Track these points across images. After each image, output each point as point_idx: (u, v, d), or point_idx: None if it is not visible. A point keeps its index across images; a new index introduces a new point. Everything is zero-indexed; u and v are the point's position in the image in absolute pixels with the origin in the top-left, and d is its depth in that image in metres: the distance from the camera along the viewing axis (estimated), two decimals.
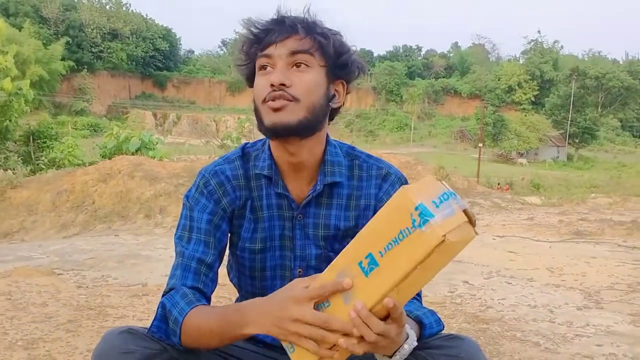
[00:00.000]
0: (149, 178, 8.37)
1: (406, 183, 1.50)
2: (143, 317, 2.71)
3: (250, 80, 1.34)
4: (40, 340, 2.26)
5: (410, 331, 1.17)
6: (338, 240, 1.41)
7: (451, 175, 9.70)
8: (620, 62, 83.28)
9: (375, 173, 1.45)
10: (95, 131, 41.27)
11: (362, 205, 1.43)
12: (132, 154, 10.23)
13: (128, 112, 55.74)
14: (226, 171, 1.41)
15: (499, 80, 75.13)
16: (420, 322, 1.27)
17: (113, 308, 2.83)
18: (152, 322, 1.32)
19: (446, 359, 1.31)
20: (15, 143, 13.30)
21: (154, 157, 9.97)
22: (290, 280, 1.42)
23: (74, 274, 4.26)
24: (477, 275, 3.92)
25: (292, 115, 1.26)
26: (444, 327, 1.39)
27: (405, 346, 1.15)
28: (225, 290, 3.03)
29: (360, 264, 1.03)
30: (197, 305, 1.26)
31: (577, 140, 61.26)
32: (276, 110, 1.25)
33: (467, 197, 8.68)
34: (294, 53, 1.25)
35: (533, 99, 73.76)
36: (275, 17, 1.28)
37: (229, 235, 1.44)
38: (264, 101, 1.27)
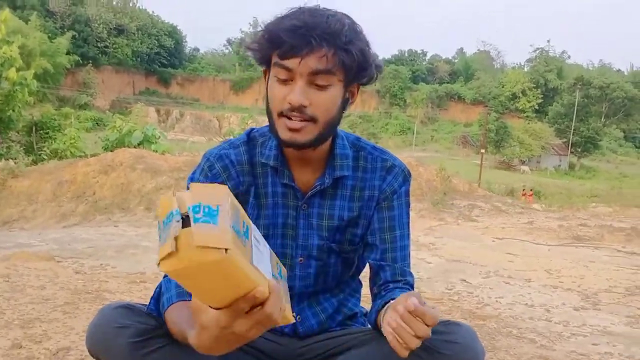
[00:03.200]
0: (150, 171, 8.37)
1: (410, 176, 1.51)
2: (140, 300, 2.71)
3: (262, 63, 1.31)
4: (37, 320, 2.26)
5: None
6: (340, 230, 1.42)
7: (452, 177, 9.71)
8: (625, 73, 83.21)
9: (380, 165, 1.45)
10: (98, 125, 41.27)
11: (366, 196, 1.44)
12: (135, 147, 10.22)
13: (131, 108, 55.88)
14: (230, 156, 1.41)
15: (503, 87, 75.14)
16: None
17: (110, 293, 2.84)
18: (150, 300, 1.34)
19: (442, 344, 1.33)
20: (18, 133, 13.31)
21: (156, 151, 9.96)
22: (290, 270, 1.44)
23: (73, 262, 4.26)
24: (475, 274, 3.92)
25: (309, 135, 1.26)
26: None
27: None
28: None
29: None
30: (176, 303, 1.24)
31: (579, 150, 61.21)
32: (293, 130, 1.25)
33: (467, 200, 8.68)
34: (315, 73, 1.21)
35: (537, 107, 73.72)
36: (299, 25, 1.20)
37: None
38: (281, 114, 1.25)
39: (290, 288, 1.43)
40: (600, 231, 6.37)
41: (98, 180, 8.66)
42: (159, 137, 10.71)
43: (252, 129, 1.50)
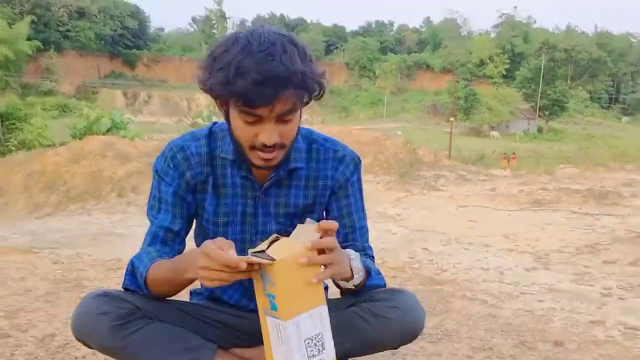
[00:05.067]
0: (120, 157, 8.43)
1: (360, 162, 1.68)
2: (118, 288, 2.86)
3: (218, 99, 1.40)
4: (21, 311, 2.41)
5: (359, 268, 1.47)
6: (297, 217, 1.59)
7: (418, 149, 9.93)
8: (590, 35, 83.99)
9: (332, 156, 1.62)
10: (64, 112, 40.58)
11: (320, 185, 1.61)
12: (103, 134, 10.23)
13: (98, 92, 54.86)
14: (192, 147, 1.57)
15: (470, 54, 75.41)
16: (367, 270, 1.52)
17: (89, 281, 2.98)
18: (124, 278, 1.52)
19: (387, 310, 1.54)
20: None
21: (126, 137, 9.99)
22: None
23: (49, 252, 4.36)
24: (437, 242, 4.14)
25: (280, 157, 1.44)
26: (385, 283, 1.61)
27: (357, 270, 1.47)
28: None
29: None
30: (156, 260, 1.45)
31: (547, 113, 61.99)
32: (267, 160, 1.41)
33: (433, 170, 8.93)
34: (283, 115, 1.34)
35: (504, 72, 74.26)
36: (262, 80, 1.27)
37: (196, 207, 1.61)
38: (252, 147, 1.40)
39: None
40: (558, 194, 6.66)
41: (68, 170, 8.68)
42: (128, 122, 10.70)
43: (215, 123, 1.65)
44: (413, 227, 4.86)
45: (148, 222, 1.58)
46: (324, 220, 1.35)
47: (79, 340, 1.52)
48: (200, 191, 1.59)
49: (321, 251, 1.29)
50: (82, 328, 1.48)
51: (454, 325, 2.34)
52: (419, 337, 1.65)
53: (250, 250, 1.25)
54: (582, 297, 2.83)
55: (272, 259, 1.22)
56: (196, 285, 1.86)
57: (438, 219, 5.10)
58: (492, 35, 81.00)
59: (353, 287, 1.50)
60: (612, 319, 2.48)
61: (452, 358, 1.98)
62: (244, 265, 1.21)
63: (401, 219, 5.35)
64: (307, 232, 1.32)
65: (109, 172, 8.20)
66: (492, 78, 73.58)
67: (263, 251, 1.26)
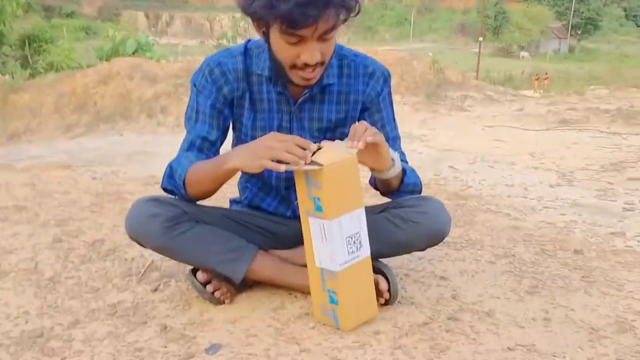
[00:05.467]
0: (148, 79, 8.51)
1: (390, 77, 1.76)
2: None
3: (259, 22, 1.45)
4: (70, 220, 2.57)
5: (397, 159, 1.58)
6: (330, 130, 1.68)
7: (446, 69, 9.81)
8: None
9: (362, 71, 1.69)
10: (87, 34, 40.43)
11: (351, 100, 1.69)
12: (129, 56, 10.26)
13: (119, 14, 54.23)
14: (228, 64, 1.65)
15: None
16: (404, 169, 1.63)
17: (129, 194, 3.14)
18: (162, 180, 1.65)
19: (416, 215, 1.65)
20: (12, 47, 13.26)
21: (151, 59, 10.02)
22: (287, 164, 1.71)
23: (85, 170, 4.54)
24: (463, 161, 4.21)
25: (319, 75, 1.51)
26: (421, 181, 1.72)
27: (396, 163, 1.57)
28: None
29: None
30: (195, 162, 1.57)
31: (579, 32, 59.88)
32: (308, 78, 1.47)
33: (461, 91, 8.86)
34: (324, 33, 1.40)
35: None
36: (304, 1, 1.32)
37: (233, 121, 1.71)
38: (294, 67, 1.46)
39: (289, 179, 1.73)
40: (586, 114, 6.62)
41: (98, 91, 8.81)
42: (153, 44, 10.71)
43: (249, 40, 1.72)
44: (439, 147, 4.92)
45: (184, 133, 1.69)
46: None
47: (132, 239, 1.66)
48: (238, 106, 1.68)
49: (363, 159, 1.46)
50: (136, 228, 1.62)
51: (477, 235, 2.45)
52: (444, 243, 1.76)
53: None
54: (604, 211, 2.91)
55: (320, 165, 1.34)
56: (235, 194, 1.99)
57: (464, 139, 5.15)
58: None
59: (391, 178, 1.60)
60: (633, 230, 2.57)
61: (476, 263, 2.10)
62: (314, 147, 1.37)
63: (427, 139, 5.41)
64: (342, 145, 1.43)
65: (137, 93, 8.31)
66: None
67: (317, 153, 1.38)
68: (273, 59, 1.53)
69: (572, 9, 57.64)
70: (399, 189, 1.67)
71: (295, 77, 1.50)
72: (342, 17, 1.42)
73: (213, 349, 1.47)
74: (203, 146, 1.65)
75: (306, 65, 1.45)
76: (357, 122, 1.59)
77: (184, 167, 1.58)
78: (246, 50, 1.67)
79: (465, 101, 8.09)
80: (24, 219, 2.59)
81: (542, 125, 6.07)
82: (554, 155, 4.47)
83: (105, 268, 2.01)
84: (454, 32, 63.31)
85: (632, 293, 1.86)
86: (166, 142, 5.98)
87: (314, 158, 1.37)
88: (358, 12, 1.47)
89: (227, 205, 1.99)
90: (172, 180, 1.63)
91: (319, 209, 1.41)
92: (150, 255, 2.13)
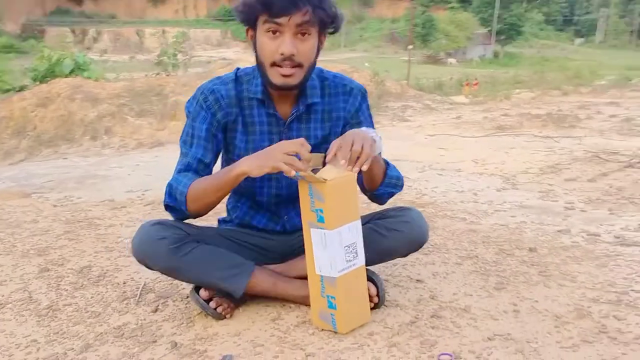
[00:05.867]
0: (90, 100, 8.39)
1: (366, 92, 1.96)
2: (129, 223, 3.08)
3: (249, 23, 1.68)
4: (49, 248, 2.62)
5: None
6: (317, 147, 1.86)
7: (385, 80, 10.15)
8: None
9: (342, 90, 1.89)
10: (9, 52, 38.95)
11: (334, 117, 1.88)
12: (66, 76, 10.06)
13: (44, 30, 52.53)
14: (221, 91, 1.81)
15: None
16: (386, 163, 1.85)
17: (99, 219, 3.19)
18: (164, 199, 1.79)
19: (399, 224, 1.84)
20: None
21: (90, 78, 9.88)
22: (277, 182, 1.86)
23: (37, 197, 4.49)
24: (413, 170, 4.45)
25: (297, 78, 1.67)
26: (402, 175, 1.90)
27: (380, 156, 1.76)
28: None
29: None
30: (195, 179, 1.72)
31: (503, 37, 62.28)
32: (285, 76, 1.64)
33: (400, 101, 9.20)
34: (300, 25, 1.58)
35: None
36: None
37: (227, 144, 1.86)
38: (273, 64, 1.64)
39: (278, 195, 1.89)
40: (520, 119, 7.04)
41: (37, 114, 8.59)
42: (90, 63, 10.53)
43: (238, 69, 1.88)
44: (388, 157, 5.13)
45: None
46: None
47: (139, 262, 1.78)
48: (231, 129, 1.83)
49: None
50: (144, 251, 1.74)
51: (441, 239, 2.66)
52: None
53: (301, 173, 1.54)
54: (549, 211, 3.19)
55: (324, 180, 1.53)
56: (223, 214, 2.12)
57: (410, 148, 5.40)
58: None
59: (377, 170, 1.78)
60: (576, 227, 2.85)
61: (445, 265, 2.31)
62: (318, 162, 1.61)
63: None
64: (336, 163, 1.61)
65: (79, 115, 8.18)
66: (449, 3, 72.98)
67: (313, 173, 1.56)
68: (258, 62, 1.71)
69: (496, 15, 60.01)
70: (383, 181, 1.84)
71: (275, 75, 1.68)
72: (318, 17, 1.62)
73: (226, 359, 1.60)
74: (199, 168, 1.79)
75: (284, 59, 1.62)
76: (342, 136, 1.75)
77: (185, 185, 1.72)
78: (237, 78, 1.83)
79: (406, 111, 8.41)
80: (2, 250, 2.62)
81: (480, 132, 6.41)
82: (495, 160, 4.76)
83: (101, 293, 2.10)
84: (384, 40, 64.63)
85: (584, 283, 2.10)
86: (115, 164, 5.95)
87: (318, 175, 1.55)
88: (338, 28, 1.68)
89: (215, 224, 2.13)
90: (173, 198, 1.76)
91: (321, 220, 1.58)
92: (141, 277, 2.23)
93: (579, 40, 79.83)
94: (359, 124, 1.89)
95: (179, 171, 1.80)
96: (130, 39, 60.24)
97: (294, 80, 1.68)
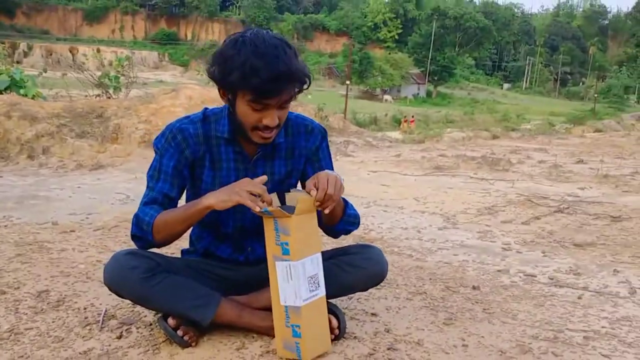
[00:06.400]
0: (27, 118, 8.15)
1: (325, 132, 2.09)
2: (82, 248, 3.07)
3: (222, 88, 1.77)
4: (2, 271, 2.58)
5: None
6: (280, 182, 1.96)
7: (329, 116, 10.40)
8: (477, 4, 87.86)
9: (303, 130, 2.01)
10: None
11: (296, 154, 2.00)
12: (1, 92, 9.75)
13: None
14: (190, 129, 1.90)
15: (365, 17, 76.72)
16: (345, 201, 1.96)
17: (50, 243, 3.15)
18: (131, 229, 1.86)
19: (361, 261, 1.97)
20: None
21: (26, 96, 9.61)
22: (242, 214, 1.95)
23: None
24: (359, 205, 4.57)
25: (274, 135, 1.81)
26: (359, 215, 2.03)
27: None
28: None
29: None
30: (161, 212, 1.80)
31: (436, 78, 64.60)
32: (267, 138, 1.75)
33: (342, 137, 9.44)
34: (285, 102, 1.72)
35: (397, 37, 76.30)
36: (274, 77, 1.63)
37: (193, 180, 1.94)
38: (255, 128, 1.75)
39: (243, 227, 1.99)
40: (456, 160, 7.38)
41: None
42: (27, 80, 10.24)
43: (206, 109, 1.97)
44: None
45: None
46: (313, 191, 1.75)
47: (111, 290, 1.82)
48: (199, 166, 1.92)
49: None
50: (116, 280, 1.79)
51: (391, 275, 2.79)
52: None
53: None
54: (488, 251, 3.40)
55: (289, 215, 1.64)
56: (186, 245, 2.19)
57: (354, 184, 5.56)
58: None
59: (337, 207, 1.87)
60: (514, 268, 3.06)
61: (397, 301, 2.44)
62: (276, 203, 1.72)
63: None
64: (299, 195, 1.73)
65: (16, 134, 7.93)
66: (386, 42, 75.43)
67: (279, 207, 1.67)
68: (235, 121, 1.80)
69: (430, 57, 62.31)
70: (342, 219, 1.97)
71: (256, 137, 1.79)
72: (297, 89, 1.74)
73: None
74: (164, 202, 1.87)
75: (266, 127, 1.74)
76: (316, 176, 1.83)
77: (151, 216, 1.79)
78: (204, 117, 1.92)
79: (348, 146, 8.63)
80: None
81: (420, 171, 6.68)
82: (435, 199, 4.99)
83: (62, 318, 2.11)
84: (322, 74, 65.76)
85: (524, 321, 2.28)
86: (55, 185, 5.82)
87: (283, 207, 1.67)
88: (309, 86, 1.81)
89: (178, 255, 2.18)
90: (139, 228, 1.83)
91: (286, 252, 1.70)
92: (102, 304, 2.25)
93: (506, 85, 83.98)
94: (318, 161, 2.03)
95: (145, 203, 1.87)
96: (63, 56, 58.60)
97: (272, 139, 1.82)
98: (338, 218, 1.95)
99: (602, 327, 2.27)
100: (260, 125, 1.74)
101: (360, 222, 4.01)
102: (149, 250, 1.89)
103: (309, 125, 2.03)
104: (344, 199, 1.96)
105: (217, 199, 1.69)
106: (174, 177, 1.88)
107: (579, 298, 2.60)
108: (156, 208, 1.83)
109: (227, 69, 1.69)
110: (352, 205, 2.03)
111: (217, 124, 1.91)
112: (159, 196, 1.86)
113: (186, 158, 1.89)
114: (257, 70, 1.63)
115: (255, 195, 1.65)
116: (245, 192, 1.65)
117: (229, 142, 1.90)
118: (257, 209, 1.63)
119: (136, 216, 1.84)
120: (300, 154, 2.01)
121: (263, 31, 1.75)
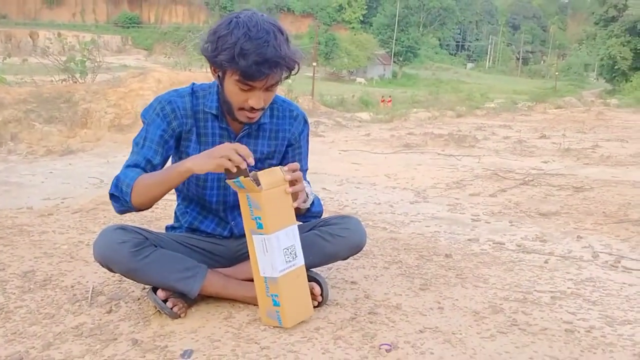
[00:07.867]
0: None
1: (308, 120, 2.17)
2: (62, 230, 3.09)
3: (212, 64, 1.83)
4: None
5: (310, 196, 2.01)
6: (262, 161, 2.04)
7: (298, 97, 10.45)
8: None
9: (289, 114, 2.10)
10: None
11: (280, 137, 2.08)
12: None
13: None
14: (178, 102, 1.96)
15: None
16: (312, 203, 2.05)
17: (29, 226, 3.17)
18: (110, 188, 1.91)
19: (341, 230, 2.07)
20: None
21: None
22: (225, 189, 2.02)
23: None
24: (332, 183, 4.70)
25: (259, 116, 1.89)
26: (322, 209, 2.14)
27: (309, 198, 2.00)
28: None
29: None
30: (143, 174, 1.86)
31: (401, 59, 64.84)
32: (252, 118, 1.82)
33: (312, 117, 9.50)
34: (271, 86, 1.78)
35: (362, 18, 76.18)
36: (261, 61, 1.68)
37: (179, 152, 2.00)
38: (241, 108, 1.82)
39: (226, 202, 2.06)
40: (424, 138, 7.54)
41: None
42: None
43: (194, 84, 2.03)
44: (309, 171, 5.38)
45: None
46: (290, 163, 1.85)
47: (102, 265, 1.88)
48: (185, 139, 1.99)
49: (291, 183, 1.82)
50: (106, 254, 1.85)
51: (367, 246, 2.87)
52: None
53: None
54: (458, 222, 3.53)
55: (259, 189, 1.73)
56: (171, 221, 2.25)
57: (326, 163, 5.66)
58: None
59: (306, 208, 2.02)
60: (483, 237, 3.20)
61: (374, 269, 2.55)
62: (251, 162, 1.73)
63: None
64: (274, 173, 1.81)
65: None
66: (351, 23, 75.28)
67: (255, 180, 1.73)
68: (223, 99, 1.87)
69: (395, 38, 62.49)
70: (305, 215, 2.10)
71: (242, 116, 1.86)
72: (285, 74, 1.81)
73: (187, 353, 1.74)
74: (146, 167, 1.92)
75: (252, 108, 1.81)
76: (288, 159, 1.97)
77: (132, 178, 1.85)
78: (193, 92, 1.99)
79: (319, 127, 8.71)
80: None
81: (389, 149, 6.80)
82: (406, 175, 5.12)
83: (50, 296, 2.16)
84: None
85: (495, 284, 2.42)
86: (26, 172, 5.77)
87: (258, 177, 1.75)
88: (297, 71, 1.87)
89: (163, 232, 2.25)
90: (119, 189, 1.87)
91: (260, 226, 1.78)
92: (88, 281, 2.31)
93: (470, 65, 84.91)
94: (299, 148, 2.13)
95: (127, 166, 1.91)
96: (23, 41, 57.10)
97: (256, 120, 1.90)
98: (301, 214, 2.05)
99: (568, 287, 2.41)
100: (246, 105, 1.82)
101: (335, 199, 4.15)
102: (138, 227, 1.95)
103: (294, 111, 2.12)
104: (314, 200, 2.07)
105: (196, 162, 1.74)
106: (159, 145, 1.93)
107: (546, 262, 2.75)
108: (137, 171, 1.87)
109: (218, 48, 1.75)
110: (318, 203, 2.15)
111: (205, 99, 1.97)
112: (141, 161, 1.91)
113: (173, 129, 1.95)
114: (246, 53, 1.69)
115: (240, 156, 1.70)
116: (224, 156, 1.68)
117: (215, 117, 1.97)
118: (234, 170, 1.68)
119: (117, 178, 1.88)
120: (284, 137, 2.09)
121: (258, 14, 1.81)
